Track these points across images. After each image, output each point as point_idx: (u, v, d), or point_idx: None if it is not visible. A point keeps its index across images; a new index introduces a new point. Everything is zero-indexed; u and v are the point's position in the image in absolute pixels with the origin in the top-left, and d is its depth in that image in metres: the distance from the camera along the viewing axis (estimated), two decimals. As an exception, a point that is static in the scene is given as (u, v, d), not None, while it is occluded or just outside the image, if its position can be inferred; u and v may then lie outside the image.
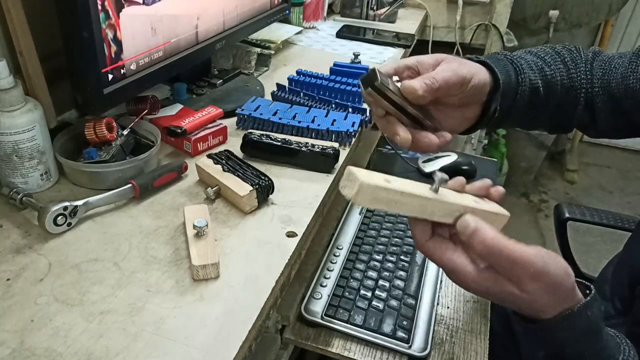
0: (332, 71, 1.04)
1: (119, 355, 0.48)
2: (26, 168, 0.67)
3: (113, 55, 0.69)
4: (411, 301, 0.78)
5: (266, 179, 0.70)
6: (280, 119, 0.84)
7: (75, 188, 0.71)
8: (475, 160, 1.16)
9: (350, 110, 0.90)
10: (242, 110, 0.86)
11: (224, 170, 0.71)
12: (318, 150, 0.77)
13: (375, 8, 1.53)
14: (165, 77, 0.83)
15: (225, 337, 0.51)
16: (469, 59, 0.64)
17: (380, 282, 0.81)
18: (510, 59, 0.67)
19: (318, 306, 0.76)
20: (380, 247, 0.88)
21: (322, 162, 0.77)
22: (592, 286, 0.49)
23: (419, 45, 1.58)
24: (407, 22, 1.57)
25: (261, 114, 0.85)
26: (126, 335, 0.50)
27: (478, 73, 0.60)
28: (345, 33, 1.39)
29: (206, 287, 0.56)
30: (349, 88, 0.94)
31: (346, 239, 0.90)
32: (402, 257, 0.86)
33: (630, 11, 2.55)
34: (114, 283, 0.56)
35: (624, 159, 2.90)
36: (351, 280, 0.81)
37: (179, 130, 0.77)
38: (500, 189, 0.53)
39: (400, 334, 0.73)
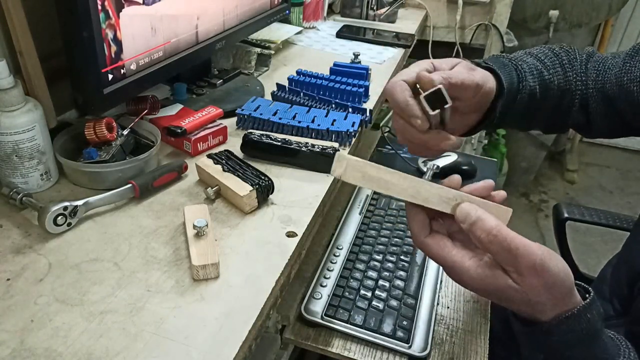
0: (332, 71, 1.04)
1: (119, 355, 0.48)
2: (26, 168, 0.67)
3: (113, 55, 0.69)
4: (411, 301, 0.78)
5: (266, 179, 0.70)
6: (280, 119, 0.84)
7: (75, 188, 0.71)
8: (475, 160, 1.16)
9: (350, 110, 0.90)
10: (242, 110, 0.86)
11: (224, 170, 0.71)
12: (318, 150, 0.77)
13: (375, 8, 1.53)
14: (165, 77, 0.83)
15: (225, 337, 0.51)
16: (477, 64, 0.64)
17: (380, 282, 0.81)
18: (515, 64, 0.67)
19: (318, 306, 0.76)
20: (380, 247, 0.88)
21: (322, 162, 0.77)
22: (591, 289, 0.49)
23: (419, 45, 1.58)
24: (407, 22, 1.57)
25: (261, 114, 0.85)
26: (126, 335, 0.50)
27: (488, 81, 0.61)
28: (345, 33, 1.39)
29: (206, 287, 0.56)
30: (349, 88, 0.95)
31: (346, 239, 0.90)
32: (402, 257, 0.86)
33: (630, 11, 2.55)
34: (114, 283, 0.56)
35: (624, 159, 2.90)
36: (351, 280, 0.81)
37: (179, 130, 0.78)
38: (502, 193, 0.52)
39: (400, 334, 0.73)
